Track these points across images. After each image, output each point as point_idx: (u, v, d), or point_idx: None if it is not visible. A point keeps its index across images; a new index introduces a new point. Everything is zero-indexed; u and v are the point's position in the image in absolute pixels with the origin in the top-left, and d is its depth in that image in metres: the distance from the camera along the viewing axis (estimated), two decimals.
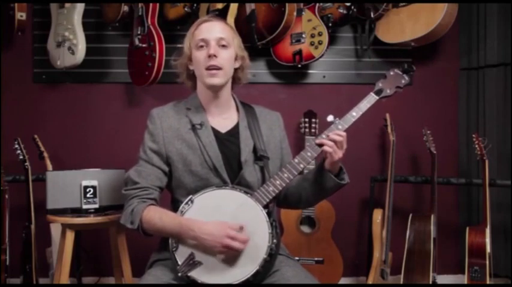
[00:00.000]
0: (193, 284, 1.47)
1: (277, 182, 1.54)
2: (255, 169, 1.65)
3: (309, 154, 1.55)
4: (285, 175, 1.54)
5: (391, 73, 1.67)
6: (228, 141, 1.67)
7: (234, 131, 1.69)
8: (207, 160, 1.61)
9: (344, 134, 1.55)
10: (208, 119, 1.67)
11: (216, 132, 1.66)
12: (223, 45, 1.62)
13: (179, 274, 1.47)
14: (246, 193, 1.53)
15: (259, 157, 1.65)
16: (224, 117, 1.70)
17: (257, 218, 1.49)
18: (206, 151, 1.61)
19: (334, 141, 1.53)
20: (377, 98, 1.62)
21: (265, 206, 1.51)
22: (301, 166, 1.55)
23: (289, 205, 1.77)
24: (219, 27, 1.64)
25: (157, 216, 1.54)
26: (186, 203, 1.53)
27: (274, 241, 1.48)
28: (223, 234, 1.43)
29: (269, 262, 1.48)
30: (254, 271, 1.45)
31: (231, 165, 1.63)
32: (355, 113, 1.58)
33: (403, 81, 1.66)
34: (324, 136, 1.55)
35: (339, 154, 1.53)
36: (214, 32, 1.62)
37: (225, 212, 1.50)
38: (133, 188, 1.61)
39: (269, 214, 1.50)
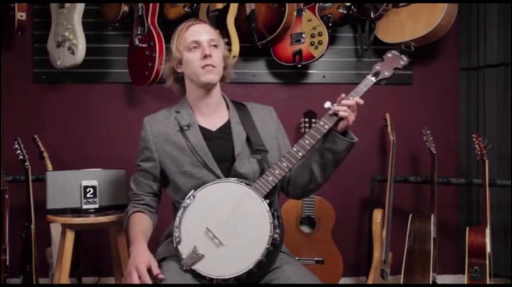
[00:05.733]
0: (198, 283, 1.48)
1: (277, 171, 1.54)
2: (250, 161, 1.66)
3: (307, 141, 1.56)
4: (284, 164, 1.55)
5: (389, 55, 1.66)
6: (220, 138, 1.69)
7: (226, 128, 1.71)
8: (198, 159, 1.64)
9: (358, 99, 1.57)
10: (198, 120, 1.70)
11: (206, 131, 1.69)
12: (214, 45, 1.68)
13: (184, 268, 1.48)
14: (246, 184, 1.55)
15: (256, 150, 1.66)
16: (215, 116, 1.73)
17: (258, 209, 1.50)
18: (195, 150, 1.64)
19: (348, 105, 1.55)
20: (374, 80, 1.61)
21: (266, 197, 1.52)
22: (300, 154, 1.56)
23: (298, 188, 1.70)
24: (208, 29, 1.71)
25: (133, 223, 1.67)
26: (188, 197, 1.55)
27: (277, 231, 1.48)
28: (136, 264, 1.47)
29: (273, 253, 1.49)
30: (256, 261, 1.45)
31: (224, 161, 1.65)
32: (351, 98, 1.57)
33: (401, 63, 1.64)
34: (323, 121, 1.58)
35: (352, 116, 1.56)
36: (205, 34, 1.68)
37: (225, 205, 1.52)
38: (131, 194, 1.77)
39: (270, 204, 1.51)
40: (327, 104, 1.58)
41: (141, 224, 1.67)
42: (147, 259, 1.50)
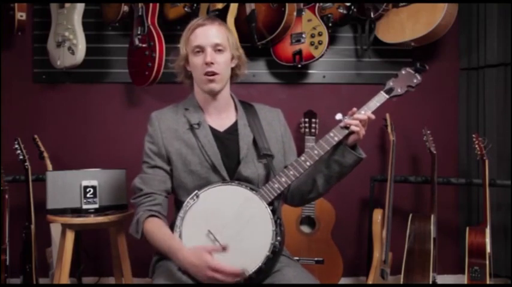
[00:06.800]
0: (195, 283, 1.47)
1: (283, 179, 1.54)
2: (256, 165, 1.65)
3: (316, 152, 1.56)
4: (291, 173, 1.55)
5: (403, 72, 1.66)
6: (227, 139, 1.68)
7: (233, 129, 1.70)
8: (206, 159, 1.62)
9: (370, 114, 1.57)
10: (206, 119, 1.69)
11: (214, 131, 1.67)
12: (219, 50, 1.63)
13: (182, 268, 1.48)
14: (251, 189, 1.54)
15: (262, 155, 1.65)
16: (222, 116, 1.72)
17: (261, 215, 1.49)
18: (205, 150, 1.63)
19: (359, 120, 1.55)
20: (387, 97, 1.61)
21: (270, 203, 1.52)
22: (308, 164, 1.56)
23: (298, 195, 1.72)
24: (214, 32, 1.64)
25: (154, 231, 1.56)
26: (192, 198, 1.54)
27: (278, 238, 1.48)
28: (204, 265, 1.40)
29: (272, 260, 1.48)
30: (256, 267, 1.45)
31: (230, 162, 1.64)
32: (363, 112, 1.57)
33: (415, 81, 1.65)
34: (333, 133, 1.57)
35: (363, 131, 1.57)
36: (209, 38, 1.63)
37: (229, 208, 1.52)
38: (139, 196, 1.64)
39: (273, 211, 1.51)
40: (339, 116, 1.58)
41: (162, 230, 1.56)
42: (201, 251, 1.42)
